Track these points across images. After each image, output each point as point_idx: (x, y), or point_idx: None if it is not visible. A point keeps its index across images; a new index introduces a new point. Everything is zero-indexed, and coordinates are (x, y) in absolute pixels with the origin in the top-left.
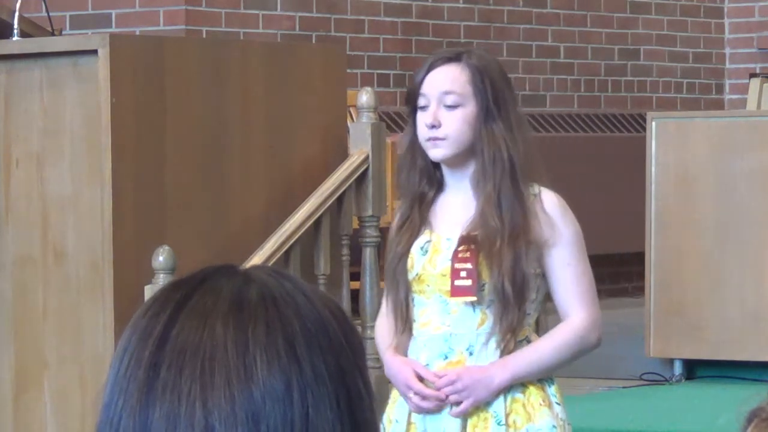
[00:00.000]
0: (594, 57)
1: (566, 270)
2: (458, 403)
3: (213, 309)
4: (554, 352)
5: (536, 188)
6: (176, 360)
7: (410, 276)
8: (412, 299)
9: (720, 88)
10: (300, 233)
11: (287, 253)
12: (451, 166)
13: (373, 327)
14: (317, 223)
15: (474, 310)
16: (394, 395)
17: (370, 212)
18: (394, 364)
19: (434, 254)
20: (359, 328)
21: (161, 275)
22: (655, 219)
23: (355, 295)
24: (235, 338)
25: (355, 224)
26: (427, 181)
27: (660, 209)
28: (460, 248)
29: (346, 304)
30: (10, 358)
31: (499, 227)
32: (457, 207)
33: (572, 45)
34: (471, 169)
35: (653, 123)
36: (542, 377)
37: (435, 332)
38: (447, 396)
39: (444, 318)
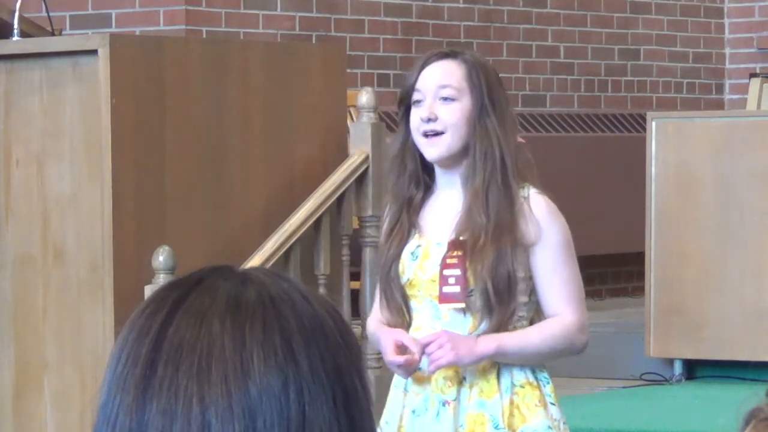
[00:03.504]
0: (594, 57)
1: (554, 274)
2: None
3: (210, 307)
4: (541, 340)
5: (527, 190)
6: (173, 357)
7: (402, 281)
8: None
9: (720, 88)
10: (300, 233)
11: (287, 253)
12: (443, 166)
13: None
14: (317, 223)
15: (464, 316)
16: (389, 397)
17: (370, 212)
18: (380, 337)
19: (424, 259)
20: (359, 329)
21: (161, 275)
22: (655, 219)
23: (355, 295)
24: (232, 335)
25: (355, 224)
26: (414, 184)
27: (660, 209)
28: (449, 254)
29: (346, 305)
30: (10, 358)
31: (484, 223)
32: (446, 209)
33: (572, 45)
34: (462, 169)
35: (653, 123)
36: (525, 363)
37: None
38: (425, 351)
39: (435, 323)
